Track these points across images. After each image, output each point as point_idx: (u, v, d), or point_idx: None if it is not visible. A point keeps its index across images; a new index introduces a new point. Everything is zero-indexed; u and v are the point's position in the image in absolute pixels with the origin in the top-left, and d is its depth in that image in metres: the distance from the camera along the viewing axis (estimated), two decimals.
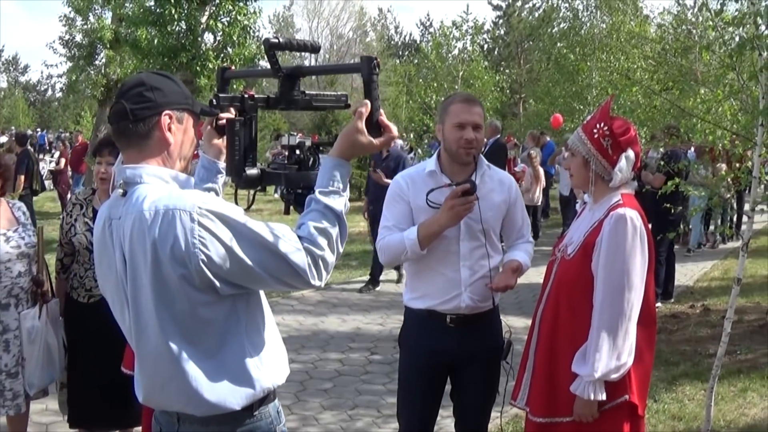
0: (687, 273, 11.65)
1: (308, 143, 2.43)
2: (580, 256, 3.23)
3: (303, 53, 2.50)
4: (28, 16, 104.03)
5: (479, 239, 3.63)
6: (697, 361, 7.10)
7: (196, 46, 15.78)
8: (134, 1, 18.82)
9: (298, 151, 2.40)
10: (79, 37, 21.79)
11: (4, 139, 22.94)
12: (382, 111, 2.27)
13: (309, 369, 6.94)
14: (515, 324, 3.95)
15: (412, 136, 19.53)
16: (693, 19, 10.34)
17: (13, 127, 45.73)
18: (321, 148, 2.46)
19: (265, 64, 2.62)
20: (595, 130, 3.22)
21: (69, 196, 15.08)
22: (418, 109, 19.62)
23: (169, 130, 2.26)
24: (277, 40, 2.29)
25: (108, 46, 20.93)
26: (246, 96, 2.33)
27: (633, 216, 3.13)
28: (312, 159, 2.41)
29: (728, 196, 6.09)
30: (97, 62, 22.22)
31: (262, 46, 2.37)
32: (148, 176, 2.22)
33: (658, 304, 8.17)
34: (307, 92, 2.40)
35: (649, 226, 3.31)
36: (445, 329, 3.67)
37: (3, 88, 66.58)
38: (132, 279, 2.18)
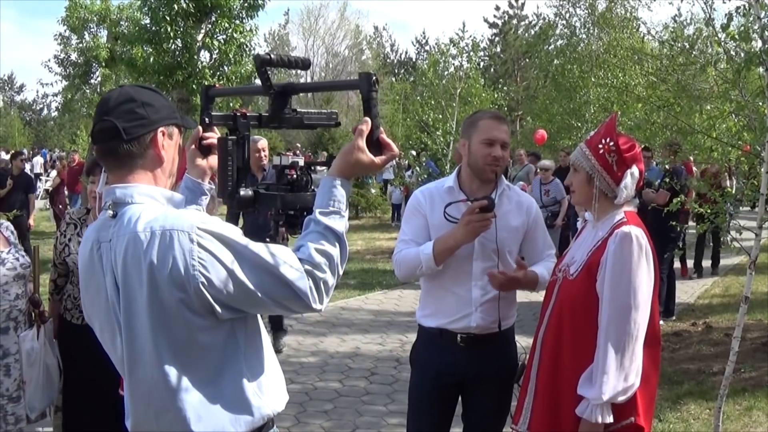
0: (688, 290, 11.58)
1: (301, 163, 2.35)
2: (584, 275, 3.13)
3: (298, 71, 2.43)
4: (24, 35, 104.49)
5: (492, 259, 3.58)
6: (702, 380, 7.02)
7: (192, 64, 15.72)
8: (130, 20, 18.86)
9: (292, 172, 2.31)
10: (74, 56, 21.80)
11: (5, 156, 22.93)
12: (382, 129, 2.18)
13: (309, 390, 6.84)
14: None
15: (414, 152, 19.45)
16: (693, 35, 10.30)
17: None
18: (312, 168, 2.38)
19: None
20: (600, 146, 3.13)
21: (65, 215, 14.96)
22: (415, 126, 19.55)
23: (162, 147, 2.18)
24: (268, 56, 2.21)
25: (103, 64, 20.95)
26: (238, 114, 2.25)
27: (638, 234, 3.04)
28: (305, 180, 2.33)
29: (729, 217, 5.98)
30: (92, 81, 22.23)
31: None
32: (140, 196, 2.13)
33: (660, 322, 8.13)
34: (298, 110, 2.32)
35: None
36: (455, 348, 3.62)
37: None
38: (126, 305, 2.08)
